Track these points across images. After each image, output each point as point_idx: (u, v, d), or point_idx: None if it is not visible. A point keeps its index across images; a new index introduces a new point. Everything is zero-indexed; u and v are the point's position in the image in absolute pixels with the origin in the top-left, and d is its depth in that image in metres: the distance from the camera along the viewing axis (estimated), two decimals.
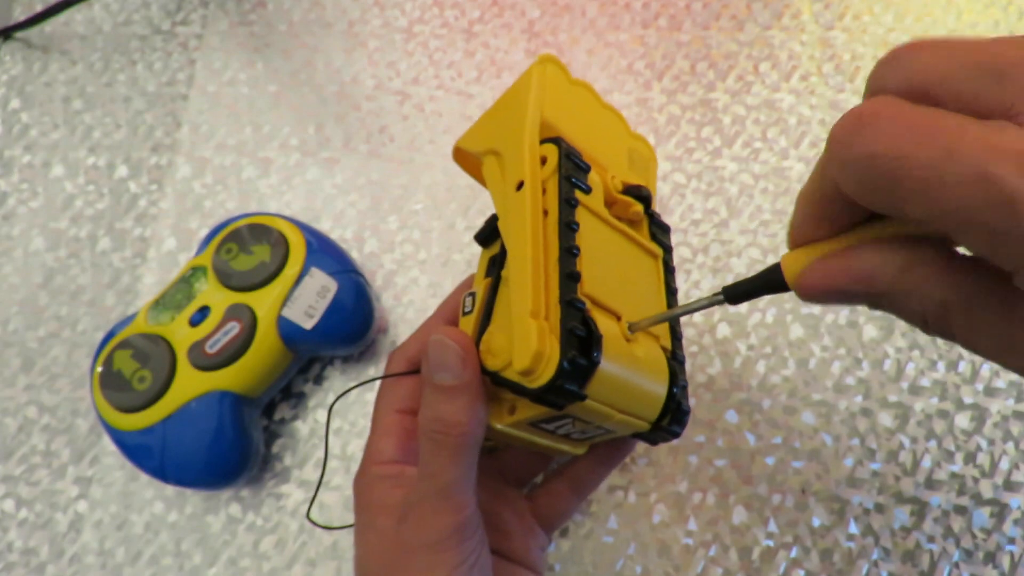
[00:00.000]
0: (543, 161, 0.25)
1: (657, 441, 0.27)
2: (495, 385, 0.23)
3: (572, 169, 0.25)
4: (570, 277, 0.22)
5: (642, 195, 0.29)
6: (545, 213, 0.24)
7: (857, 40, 0.43)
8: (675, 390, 0.25)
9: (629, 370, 0.23)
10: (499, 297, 0.25)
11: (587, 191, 0.26)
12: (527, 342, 0.21)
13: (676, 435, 0.26)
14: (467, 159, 0.29)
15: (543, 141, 0.25)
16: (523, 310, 0.21)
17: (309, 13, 0.47)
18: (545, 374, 0.21)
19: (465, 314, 0.25)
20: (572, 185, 0.25)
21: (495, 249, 0.27)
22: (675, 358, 0.26)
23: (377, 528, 0.24)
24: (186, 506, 0.35)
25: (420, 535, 0.23)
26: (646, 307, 0.27)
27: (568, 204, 0.24)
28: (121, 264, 0.41)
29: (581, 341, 0.21)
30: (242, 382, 0.33)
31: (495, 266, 0.27)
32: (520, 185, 0.24)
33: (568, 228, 0.23)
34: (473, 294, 0.26)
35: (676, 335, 0.27)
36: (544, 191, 0.24)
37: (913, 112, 0.15)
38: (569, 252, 0.23)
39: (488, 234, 0.28)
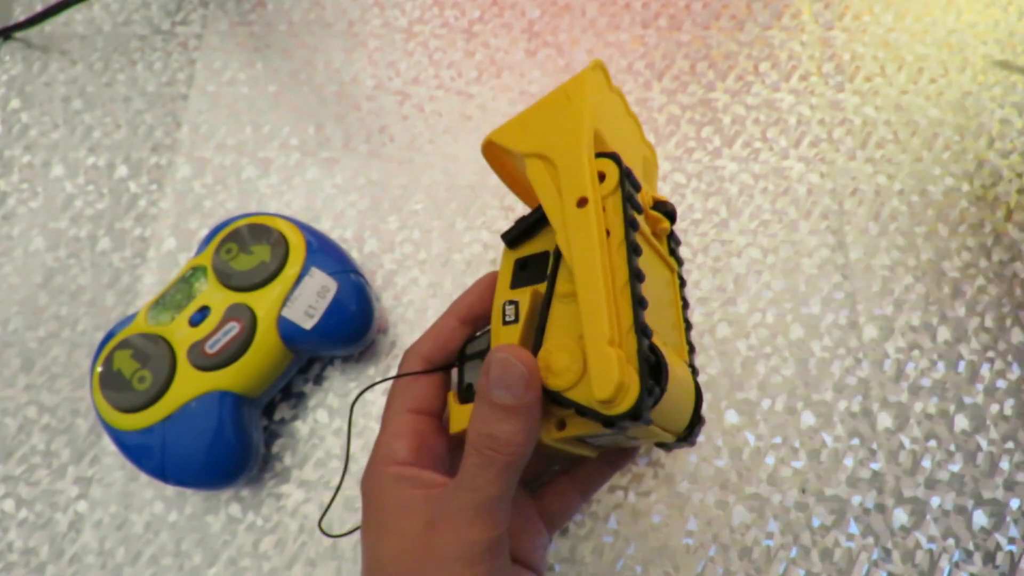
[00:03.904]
0: (601, 177, 0.25)
1: (673, 448, 0.27)
2: (552, 403, 0.23)
3: (631, 189, 0.25)
4: (640, 304, 0.22)
5: (668, 211, 0.29)
6: (607, 233, 0.24)
7: (857, 40, 0.43)
8: (698, 403, 0.25)
9: (676, 391, 0.23)
10: (554, 312, 0.24)
11: (641, 211, 0.25)
12: (608, 372, 0.21)
13: (692, 444, 0.26)
14: (499, 155, 0.28)
15: (597, 155, 0.25)
16: (600, 337, 0.21)
17: (309, 13, 0.47)
18: (625, 403, 0.21)
19: (507, 323, 0.25)
20: (632, 206, 0.24)
21: (522, 252, 0.27)
22: (692, 371, 0.27)
23: (400, 531, 0.24)
24: (186, 506, 0.35)
25: (453, 547, 0.22)
26: (668, 321, 0.27)
27: (632, 227, 0.24)
28: (121, 264, 0.41)
29: (651, 368, 0.22)
30: (242, 382, 0.33)
31: (525, 270, 0.26)
32: (581, 201, 0.23)
33: (634, 252, 0.23)
34: (515, 303, 0.25)
35: (691, 347, 0.28)
36: (604, 208, 0.24)
37: None
38: (637, 277, 0.23)
39: (517, 235, 0.27)
